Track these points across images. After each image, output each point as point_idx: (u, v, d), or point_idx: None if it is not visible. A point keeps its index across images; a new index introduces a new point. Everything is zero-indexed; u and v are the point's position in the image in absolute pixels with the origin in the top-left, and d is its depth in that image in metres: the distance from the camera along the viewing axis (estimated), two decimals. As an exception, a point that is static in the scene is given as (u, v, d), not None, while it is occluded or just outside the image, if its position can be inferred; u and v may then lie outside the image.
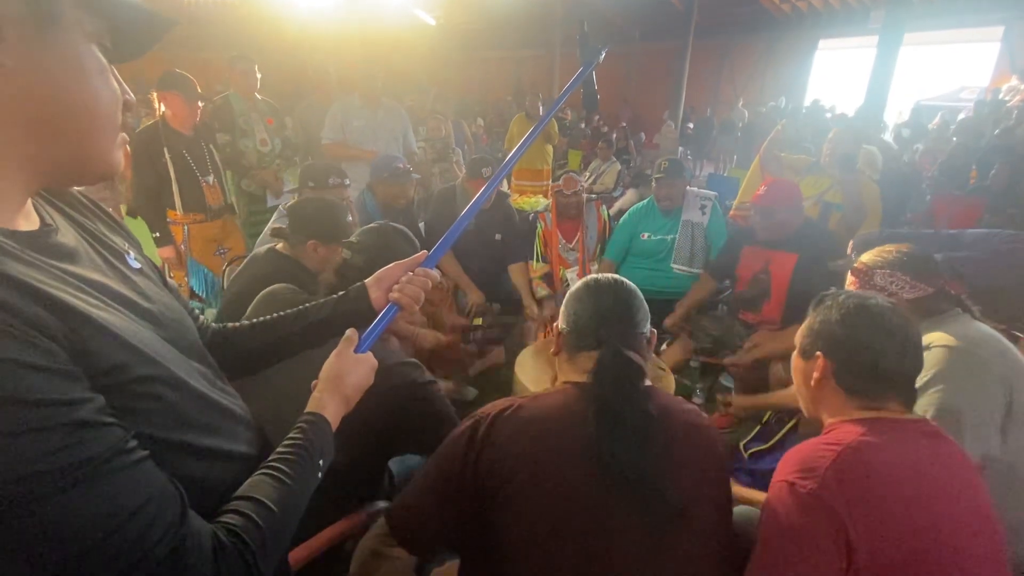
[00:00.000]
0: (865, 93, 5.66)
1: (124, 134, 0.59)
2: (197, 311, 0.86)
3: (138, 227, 2.78)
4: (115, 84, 0.57)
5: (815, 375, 0.98)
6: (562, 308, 1.04)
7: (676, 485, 0.82)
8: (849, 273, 1.47)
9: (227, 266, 2.65)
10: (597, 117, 10.02)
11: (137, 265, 0.67)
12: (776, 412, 1.91)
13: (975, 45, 9.78)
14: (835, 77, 12.32)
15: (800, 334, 1.06)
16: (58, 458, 0.44)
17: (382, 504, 1.19)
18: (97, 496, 0.46)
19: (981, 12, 9.21)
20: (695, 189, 2.94)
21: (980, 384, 1.19)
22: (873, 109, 5.65)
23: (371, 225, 1.40)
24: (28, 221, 0.55)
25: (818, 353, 0.98)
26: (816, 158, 3.16)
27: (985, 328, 1.30)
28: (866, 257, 1.43)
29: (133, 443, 0.51)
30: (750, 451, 1.95)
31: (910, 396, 0.95)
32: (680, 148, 9.78)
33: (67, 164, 0.55)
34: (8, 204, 0.52)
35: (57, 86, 0.51)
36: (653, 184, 2.89)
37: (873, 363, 0.93)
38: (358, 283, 0.94)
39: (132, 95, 0.60)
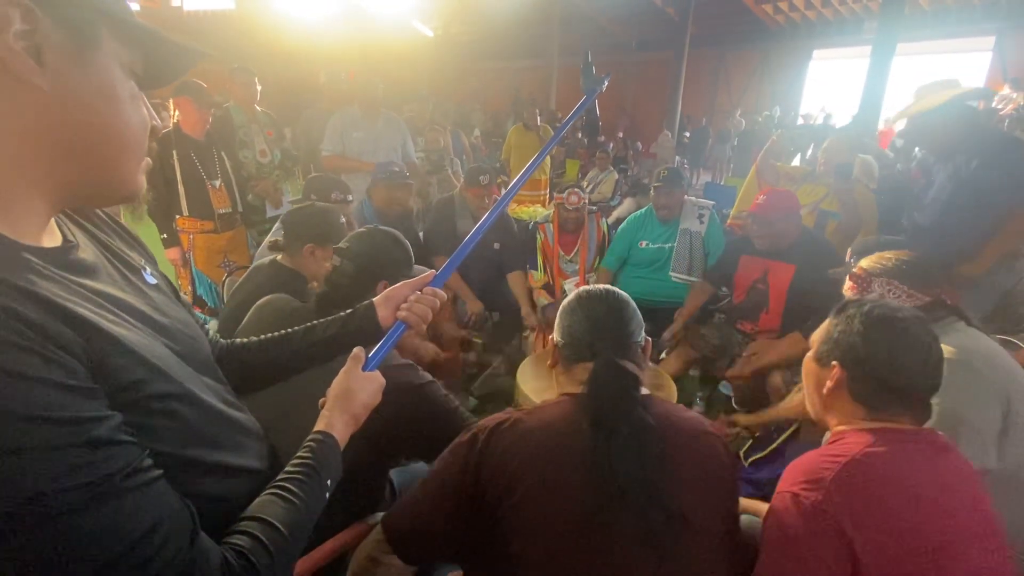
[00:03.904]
0: (859, 102, 5.72)
1: (148, 158, 0.60)
2: (206, 326, 0.87)
3: (147, 229, 2.83)
4: (144, 111, 0.58)
5: (828, 383, 0.97)
6: (556, 321, 1.04)
7: (676, 493, 0.82)
8: (848, 278, 1.48)
9: (227, 277, 2.67)
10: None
11: (153, 281, 0.68)
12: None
13: (967, 55, 9.88)
14: (830, 87, 12.43)
15: (817, 339, 1.04)
16: (75, 476, 0.44)
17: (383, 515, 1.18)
18: (112, 514, 0.46)
19: (973, 22, 9.33)
20: (693, 198, 2.96)
21: (977, 397, 1.18)
22: (867, 118, 5.70)
23: (360, 230, 1.37)
24: (51, 238, 0.56)
25: (834, 362, 0.96)
26: (812, 167, 3.19)
27: (982, 338, 1.30)
28: (866, 263, 1.43)
29: (148, 461, 0.51)
30: (750, 460, 1.94)
31: (924, 412, 0.94)
32: (677, 157, 9.84)
33: (94, 185, 0.56)
34: (35, 221, 0.53)
35: (91, 111, 0.52)
36: (651, 193, 2.91)
37: (891, 379, 0.91)
38: (365, 301, 0.94)
39: (159, 121, 0.62)
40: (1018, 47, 9.13)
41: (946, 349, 1.22)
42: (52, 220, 0.57)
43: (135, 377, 0.52)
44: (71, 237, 0.59)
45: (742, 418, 2.04)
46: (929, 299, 1.34)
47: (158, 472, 0.51)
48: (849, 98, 9.42)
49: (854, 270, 1.45)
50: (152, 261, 0.73)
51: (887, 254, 1.42)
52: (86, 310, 0.51)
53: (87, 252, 0.59)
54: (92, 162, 0.54)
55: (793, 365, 2.09)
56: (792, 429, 1.91)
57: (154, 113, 0.60)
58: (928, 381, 0.93)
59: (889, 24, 5.58)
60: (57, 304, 0.48)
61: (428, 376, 1.22)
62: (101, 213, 0.69)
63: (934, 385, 0.94)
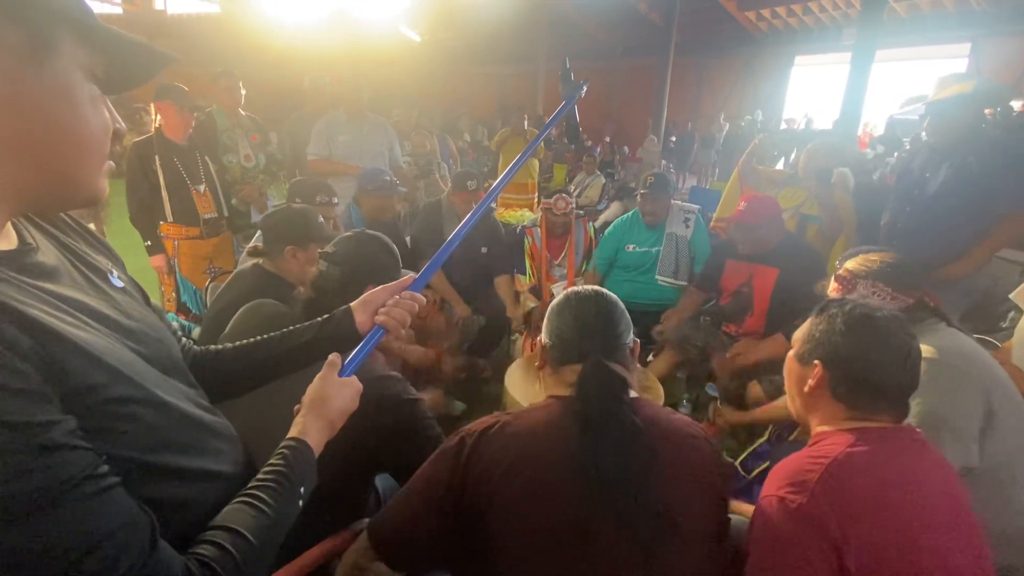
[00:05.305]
0: (840, 108, 5.82)
1: (111, 162, 0.59)
2: (180, 333, 0.85)
3: (131, 235, 2.79)
4: (106, 114, 0.57)
5: (810, 382, 0.98)
6: (544, 322, 1.04)
7: (664, 497, 0.82)
8: (833, 279, 1.50)
9: (211, 282, 2.64)
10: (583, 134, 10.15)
11: (120, 284, 0.67)
12: (776, 428, 1.89)
13: (944, 61, 10.12)
14: (812, 92, 12.67)
15: (799, 338, 1.05)
16: (24, 482, 0.43)
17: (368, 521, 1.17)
18: (62, 523, 0.45)
19: (949, 29, 9.54)
20: (678, 202, 2.99)
21: (959, 395, 1.20)
22: (848, 123, 5.81)
23: (347, 234, 1.35)
24: (7, 240, 0.55)
25: (816, 362, 0.98)
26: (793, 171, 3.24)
27: (963, 338, 1.33)
28: (851, 264, 1.45)
29: (104, 468, 0.49)
30: (754, 472, 1.88)
31: (902, 409, 0.96)
32: (663, 161, 9.93)
33: (52, 190, 0.55)
34: None
35: (47, 114, 0.51)
36: (638, 199, 2.94)
37: (871, 378, 0.93)
38: (343, 306, 0.93)
39: (123, 124, 0.60)
40: (993, 54, 9.36)
41: (927, 349, 1.25)
42: (8, 224, 0.56)
43: (93, 381, 0.51)
44: (30, 240, 0.58)
45: (727, 414, 2.03)
46: (912, 300, 1.36)
47: (114, 479, 0.50)
48: (830, 103, 9.59)
49: (839, 272, 1.47)
50: (120, 264, 0.72)
51: (872, 256, 1.43)
52: (42, 313, 0.50)
53: (47, 255, 0.58)
54: (50, 166, 0.53)
55: (773, 373, 2.11)
56: (768, 433, 1.89)
57: (117, 116, 0.59)
58: (907, 379, 0.95)
59: (868, 31, 5.70)
60: (8, 307, 0.47)
61: (415, 393, 1.20)
62: (65, 217, 0.68)
63: (912, 383, 0.96)
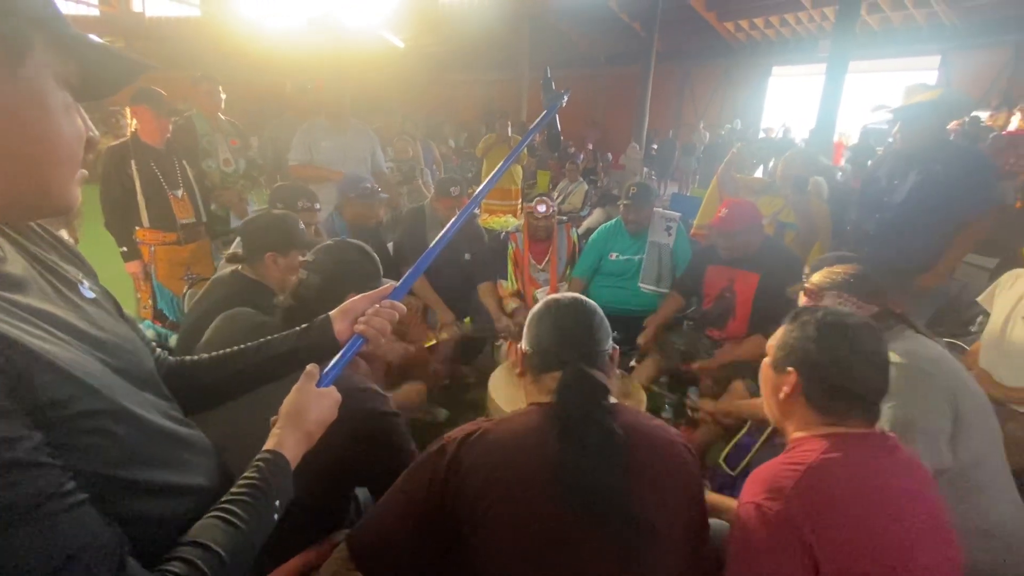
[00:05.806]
0: (816, 117, 5.96)
1: (84, 170, 0.58)
2: (155, 343, 0.83)
3: (106, 242, 2.73)
4: (79, 122, 0.56)
5: (785, 389, 0.99)
6: (525, 330, 1.04)
7: (643, 503, 0.83)
8: (802, 293, 1.54)
9: (188, 289, 2.59)
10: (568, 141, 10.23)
11: (91, 295, 0.65)
12: (753, 424, 1.91)
13: (915, 73, 10.42)
14: (789, 101, 12.95)
15: (773, 345, 1.06)
16: None
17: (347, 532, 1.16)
18: (26, 542, 0.44)
19: (920, 42, 9.85)
20: (660, 210, 3.02)
21: (928, 399, 1.24)
22: (824, 132, 5.94)
23: (327, 242, 1.35)
24: None
25: (790, 369, 0.99)
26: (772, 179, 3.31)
27: (929, 343, 1.36)
28: (817, 278, 1.49)
29: (70, 485, 0.48)
30: (738, 467, 1.85)
31: (875, 413, 0.98)
32: (645, 168, 10.04)
33: (23, 198, 0.54)
34: None
35: (18, 121, 0.51)
36: (621, 207, 2.96)
37: (844, 383, 0.95)
38: (322, 315, 0.92)
39: (96, 132, 0.59)
40: (962, 66, 9.68)
41: (895, 356, 1.27)
42: None
43: (61, 395, 0.50)
44: None
45: (707, 403, 2.04)
46: (877, 308, 1.40)
47: (82, 496, 0.49)
48: (807, 113, 9.81)
49: (807, 285, 1.51)
50: (91, 274, 0.71)
51: (836, 268, 1.48)
52: (8, 325, 0.49)
53: (15, 266, 0.57)
54: (21, 174, 0.52)
55: (756, 368, 2.13)
56: (767, 433, 1.91)
57: (91, 124, 0.58)
58: (878, 384, 0.97)
59: (842, 43, 5.84)
60: None
61: (393, 407, 1.19)
62: (35, 226, 0.66)
63: (884, 388, 0.98)
